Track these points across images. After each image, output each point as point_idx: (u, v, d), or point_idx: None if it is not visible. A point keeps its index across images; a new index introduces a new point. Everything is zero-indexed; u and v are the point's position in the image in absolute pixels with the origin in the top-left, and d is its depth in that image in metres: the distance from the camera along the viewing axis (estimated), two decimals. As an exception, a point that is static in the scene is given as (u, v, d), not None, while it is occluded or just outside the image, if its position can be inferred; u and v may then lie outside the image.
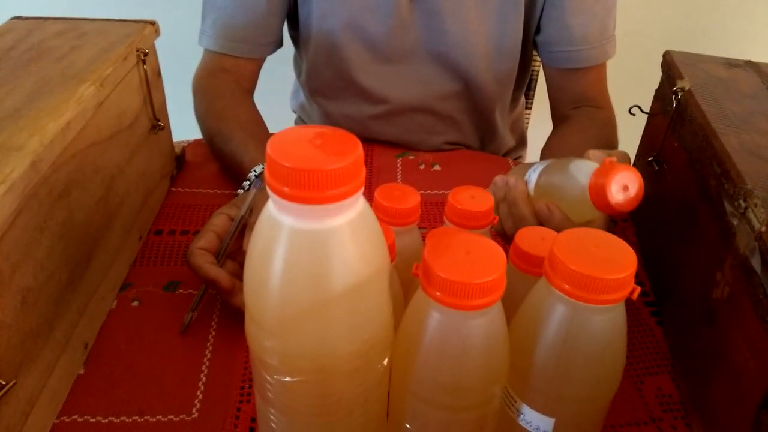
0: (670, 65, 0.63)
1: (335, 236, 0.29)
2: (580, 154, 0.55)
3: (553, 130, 0.84)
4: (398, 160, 0.81)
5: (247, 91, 0.79)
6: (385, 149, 0.83)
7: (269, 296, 0.30)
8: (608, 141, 0.74)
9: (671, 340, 0.54)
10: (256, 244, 0.31)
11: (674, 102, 0.58)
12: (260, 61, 0.80)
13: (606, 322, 0.34)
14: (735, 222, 0.42)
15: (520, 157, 1.02)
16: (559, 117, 0.84)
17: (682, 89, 0.57)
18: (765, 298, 0.37)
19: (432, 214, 0.70)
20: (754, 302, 0.38)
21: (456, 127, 0.86)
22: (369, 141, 0.84)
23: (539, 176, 0.55)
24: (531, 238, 0.42)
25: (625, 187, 0.47)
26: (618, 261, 0.33)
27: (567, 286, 0.32)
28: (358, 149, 0.29)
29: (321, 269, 0.29)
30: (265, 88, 0.88)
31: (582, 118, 0.79)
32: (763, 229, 0.38)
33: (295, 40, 0.87)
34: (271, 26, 0.77)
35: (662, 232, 0.60)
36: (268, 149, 0.28)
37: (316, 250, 0.29)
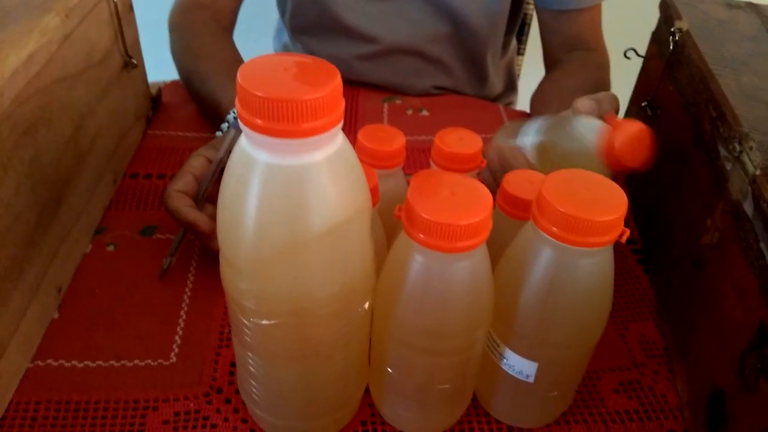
0: (668, 5, 0.60)
1: (312, 173, 0.28)
2: (572, 99, 0.53)
3: (546, 74, 0.81)
4: (385, 105, 0.78)
5: (225, 29, 0.75)
6: (371, 93, 0.80)
7: (243, 236, 0.29)
8: (600, 84, 0.72)
9: (658, 287, 0.53)
10: (229, 181, 0.29)
11: (671, 43, 0.55)
12: None
13: (593, 266, 0.33)
14: (729, 166, 0.41)
15: (510, 102, 0.99)
16: (551, 61, 0.82)
17: (680, 30, 0.55)
18: (755, 243, 0.36)
19: (419, 161, 0.69)
20: (743, 248, 0.37)
21: (446, 70, 0.83)
22: (355, 83, 0.81)
23: (539, 139, 0.52)
24: (518, 182, 0.40)
25: (636, 144, 0.45)
26: (607, 203, 0.32)
27: (554, 229, 0.31)
28: (337, 79, 0.27)
29: (297, 208, 0.28)
30: (246, 30, 0.84)
31: (574, 62, 0.77)
32: (758, 172, 0.37)
33: None
34: None
35: (653, 179, 0.59)
36: (239, 78, 0.26)
37: (292, 187, 0.27)
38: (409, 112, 0.77)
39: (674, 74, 0.55)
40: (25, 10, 0.46)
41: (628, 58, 0.65)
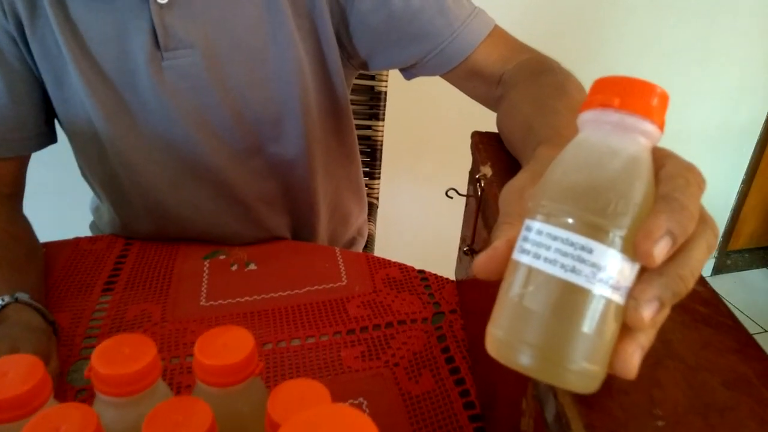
0: (476, 147, 0.59)
1: None
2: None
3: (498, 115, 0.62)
4: (206, 262, 0.70)
5: (8, 196, 0.65)
6: (191, 249, 0.72)
7: None
8: (555, 87, 0.55)
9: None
10: None
11: (479, 189, 0.53)
12: (19, 160, 0.67)
13: None
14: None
15: (353, 239, 0.93)
16: (494, 102, 0.66)
17: (485, 176, 0.52)
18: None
19: (250, 327, 0.60)
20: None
21: (273, 212, 0.75)
22: (174, 240, 0.73)
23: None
24: (288, 401, 0.33)
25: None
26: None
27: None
28: None
29: None
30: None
31: (514, 93, 0.60)
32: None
33: (64, 129, 0.70)
34: (22, 118, 0.63)
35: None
36: None
37: None
38: (234, 267, 0.70)
39: (487, 217, 0.52)
40: None
41: (449, 197, 0.62)
